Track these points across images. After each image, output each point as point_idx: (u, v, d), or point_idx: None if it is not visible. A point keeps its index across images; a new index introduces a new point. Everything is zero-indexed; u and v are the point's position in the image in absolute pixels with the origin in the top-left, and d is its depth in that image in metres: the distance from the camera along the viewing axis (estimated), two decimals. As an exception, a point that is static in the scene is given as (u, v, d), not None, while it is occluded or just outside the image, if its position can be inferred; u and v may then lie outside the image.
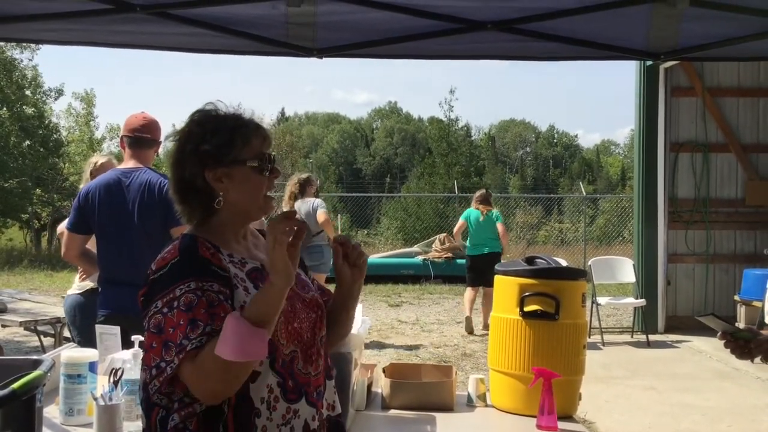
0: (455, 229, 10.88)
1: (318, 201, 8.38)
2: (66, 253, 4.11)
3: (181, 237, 1.84)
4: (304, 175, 8.70)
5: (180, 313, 1.67)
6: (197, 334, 1.64)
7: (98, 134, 27.16)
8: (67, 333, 6.80)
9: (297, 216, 1.69)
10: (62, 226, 4.44)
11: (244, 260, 1.85)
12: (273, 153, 1.90)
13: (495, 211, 10.03)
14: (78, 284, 4.57)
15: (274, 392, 1.76)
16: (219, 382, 1.64)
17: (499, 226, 9.83)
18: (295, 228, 1.66)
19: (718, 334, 2.47)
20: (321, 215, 8.12)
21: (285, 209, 8.39)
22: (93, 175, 4.48)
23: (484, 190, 10.55)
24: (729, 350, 2.46)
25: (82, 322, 4.27)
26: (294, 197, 8.35)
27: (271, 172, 1.87)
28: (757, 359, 2.50)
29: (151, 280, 1.77)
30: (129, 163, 3.91)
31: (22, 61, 25.13)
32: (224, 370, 1.61)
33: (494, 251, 9.68)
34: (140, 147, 3.88)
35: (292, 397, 1.79)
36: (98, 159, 4.80)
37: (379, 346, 8.97)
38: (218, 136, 1.83)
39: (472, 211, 10.03)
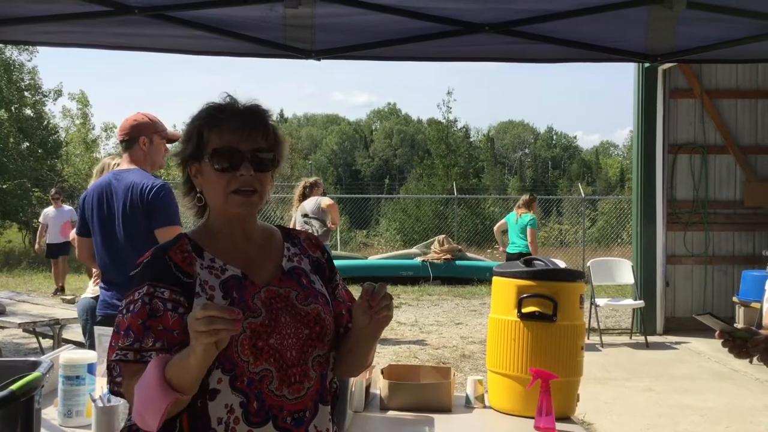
0: (495, 227, 11.59)
1: (324, 197, 8.74)
2: (79, 256, 4.19)
3: (175, 237, 1.81)
4: (312, 179, 8.97)
5: (132, 316, 1.65)
6: (124, 346, 1.63)
7: (94, 134, 27.15)
8: (65, 335, 6.81)
9: (231, 313, 1.46)
10: (74, 231, 4.49)
11: (225, 267, 1.73)
12: (252, 147, 1.72)
13: (528, 215, 10.37)
14: (91, 288, 4.60)
15: (235, 413, 1.64)
16: (144, 414, 1.57)
17: (528, 231, 10.20)
18: (218, 328, 1.44)
19: (716, 333, 2.48)
20: (326, 200, 8.47)
21: (294, 212, 8.55)
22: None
23: (526, 195, 10.97)
24: (726, 349, 2.46)
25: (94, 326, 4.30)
26: (302, 199, 8.64)
27: (234, 168, 1.70)
28: (755, 359, 2.50)
29: (128, 278, 1.76)
30: (123, 164, 3.95)
31: (21, 62, 25.14)
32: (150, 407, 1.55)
33: (521, 252, 9.98)
34: (126, 149, 3.94)
35: (255, 420, 1.65)
36: (108, 162, 4.78)
37: (378, 347, 8.96)
38: (188, 131, 1.78)
39: (512, 213, 10.65)
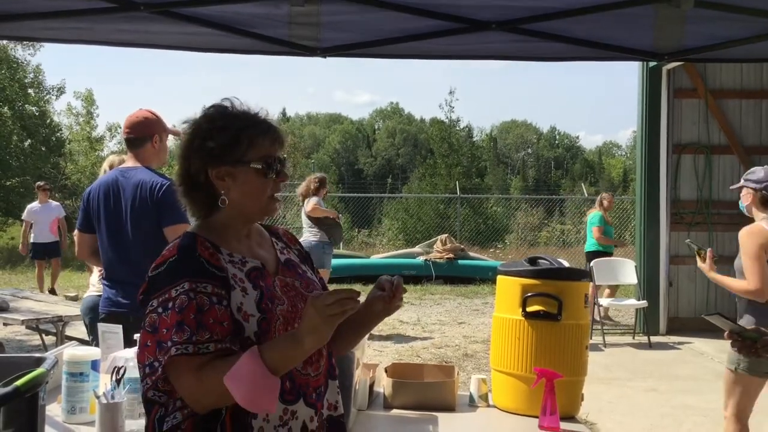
0: None
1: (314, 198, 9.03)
2: (79, 253, 4.15)
3: (183, 235, 1.83)
4: (319, 175, 9.34)
5: (173, 314, 1.68)
6: (182, 340, 1.65)
7: (98, 132, 27.21)
8: (68, 332, 6.81)
9: (354, 296, 1.65)
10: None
11: (245, 259, 1.83)
12: (283, 156, 1.88)
13: (594, 214, 10.83)
14: (96, 285, 4.58)
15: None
16: (216, 401, 1.68)
17: (593, 229, 10.73)
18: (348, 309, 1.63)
19: (725, 333, 2.48)
20: (309, 204, 8.80)
21: (305, 207, 8.72)
22: None
23: (600, 194, 11.45)
24: (736, 349, 2.46)
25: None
26: (307, 196, 8.93)
27: (278, 175, 1.85)
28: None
29: (149, 278, 1.77)
30: (129, 162, 3.93)
31: (24, 59, 25.19)
32: (225, 395, 1.61)
33: (589, 249, 10.81)
34: (132, 147, 3.90)
35: (289, 398, 1.77)
36: (115, 159, 4.75)
37: (381, 346, 8.96)
38: (225, 134, 1.81)
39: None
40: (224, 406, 1.69)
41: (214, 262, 1.76)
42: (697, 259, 4.30)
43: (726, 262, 5.66)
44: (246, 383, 1.59)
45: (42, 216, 12.77)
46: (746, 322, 3.81)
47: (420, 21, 3.39)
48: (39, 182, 14.26)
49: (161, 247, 1.86)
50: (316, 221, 8.87)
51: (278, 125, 1.91)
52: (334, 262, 10.25)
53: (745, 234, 3.97)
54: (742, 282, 3.92)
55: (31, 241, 12.83)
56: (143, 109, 4.01)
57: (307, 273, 1.97)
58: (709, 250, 4.31)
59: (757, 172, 4.10)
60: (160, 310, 1.70)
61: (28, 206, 13.12)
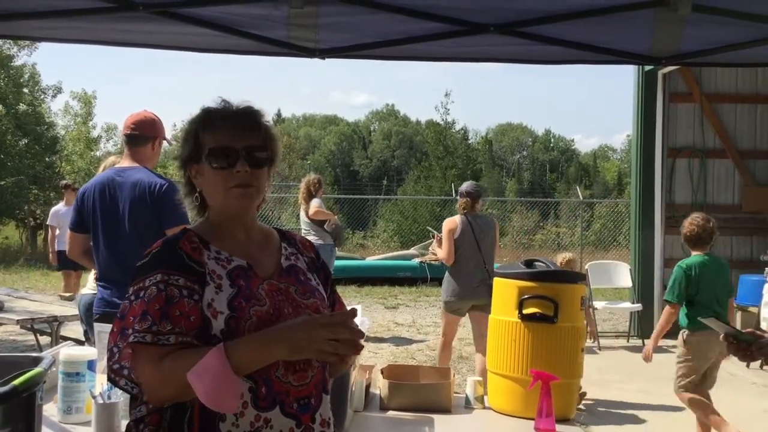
0: None
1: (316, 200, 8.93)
2: (70, 252, 4.13)
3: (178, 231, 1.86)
4: (316, 177, 9.22)
5: (141, 303, 1.69)
6: (142, 329, 1.66)
7: (95, 133, 27.14)
8: (63, 332, 6.80)
9: (353, 321, 1.61)
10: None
11: (231, 258, 1.80)
12: (250, 145, 1.79)
13: None
14: (91, 284, 4.57)
15: (244, 397, 1.68)
16: (175, 394, 1.65)
17: None
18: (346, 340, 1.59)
19: (721, 336, 2.49)
20: (311, 208, 8.75)
21: (308, 210, 8.61)
22: None
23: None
24: (731, 352, 2.47)
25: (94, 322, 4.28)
26: (307, 198, 8.84)
27: (231, 165, 1.77)
28: (755, 363, 2.51)
29: (135, 268, 1.79)
30: (125, 162, 3.91)
31: (20, 58, 25.11)
32: (185, 389, 1.59)
33: None
34: (134, 145, 3.88)
35: (263, 405, 1.70)
36: (113, 159, 4.71)
37: (376, 347, 8.96)
38: (188, 134, 1.85)
39: None
40: (185, 400, 1.66)
41: (195, 256, 1.75)
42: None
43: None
44: (208, 380, 1.57)
45: (69, 220, 11.49)
46: None
47: (418, 23, 3.39)
48: (65, 181, 13.31)
49: None
50: (318, 223, 8.81)
51: (248, 112, 1.84)
52: (329, 263, 10.25)
53: None
54: None
55: (57, 249, 10.67)
56: (148, 110, 4.00)
57: (311, 281, 1.91)
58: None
59: None
60: (132, 297, 1.72)
61: (53, 209, 11.34)
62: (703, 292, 5.23)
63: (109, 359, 1.73)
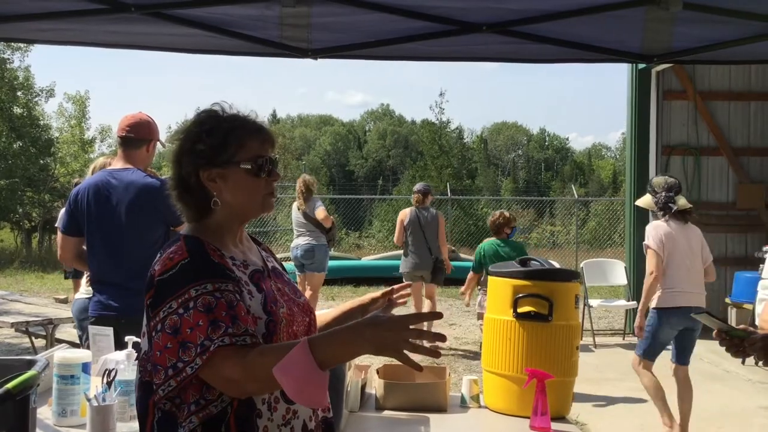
0: None
1: (317, 201, 8.99)
2: (62, 256, 4.05)
3: (183, 238, 1.81)
4: (311, 177, 9.28)
5: (198, 313, 1.66)
6: (219, 335, 1.65)
7: (89, 135, 27.06)
8: (58, 334, 6.78)
9: (438, 338, 1.67)
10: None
11: (246, 262, 1.86)
12: (274, 156, 1.89)
13: None
14: (85, 288, 4.54)
15: (275, 393, 1.77)
16: (262, 388, 1.70)
17: None
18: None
19: (714, 332, 2.49)
20: (320, 212, 8.71)
21: (316, 214, 8.61)
22: None
23: None
24: (724, 348, 2.47)
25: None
26: (303, 196, 8.87)
27: (270, 174, 1.86)
28: (750, 359, 2.51)
29: (157, 281, 1.73)
30: (118, 163, 3.87)
31: (13, 61, 25.02)
32: (272, 383, 1.61)
33: None
34: (128, 146, 3.84)
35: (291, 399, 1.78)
36: (104, 161, 4.67)
37: (372, 348, 8.97)
38: (213, 137, 1.83)
39: None
40: (267, 394, 1.74)
41: (223, 263, 1.78)
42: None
43: (715, 263, 5.72)
44: (296, 375, 1.58)
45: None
46: None
47: (411, 23, 3.39)
48: (76, 179, 13.24)
49: (154, 249, 1.86)
50: (314, 223, 8.80)
51: (268, 126, 1.92)
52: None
53: None
54: None
55: None
56: (144, 113, 3.97)
57: (291, 282, 2.01)
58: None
59: None
60: (181, 311, 1.67)
61: (62, 211, 11.25)
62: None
63: (171, 377, 1.67)
